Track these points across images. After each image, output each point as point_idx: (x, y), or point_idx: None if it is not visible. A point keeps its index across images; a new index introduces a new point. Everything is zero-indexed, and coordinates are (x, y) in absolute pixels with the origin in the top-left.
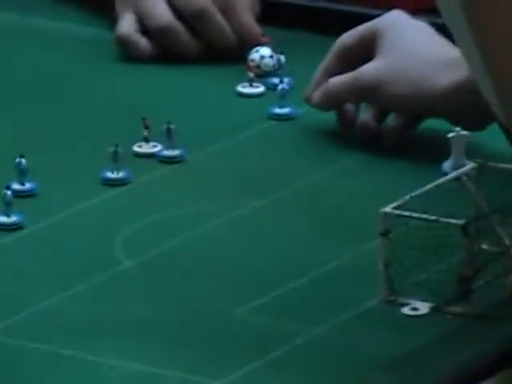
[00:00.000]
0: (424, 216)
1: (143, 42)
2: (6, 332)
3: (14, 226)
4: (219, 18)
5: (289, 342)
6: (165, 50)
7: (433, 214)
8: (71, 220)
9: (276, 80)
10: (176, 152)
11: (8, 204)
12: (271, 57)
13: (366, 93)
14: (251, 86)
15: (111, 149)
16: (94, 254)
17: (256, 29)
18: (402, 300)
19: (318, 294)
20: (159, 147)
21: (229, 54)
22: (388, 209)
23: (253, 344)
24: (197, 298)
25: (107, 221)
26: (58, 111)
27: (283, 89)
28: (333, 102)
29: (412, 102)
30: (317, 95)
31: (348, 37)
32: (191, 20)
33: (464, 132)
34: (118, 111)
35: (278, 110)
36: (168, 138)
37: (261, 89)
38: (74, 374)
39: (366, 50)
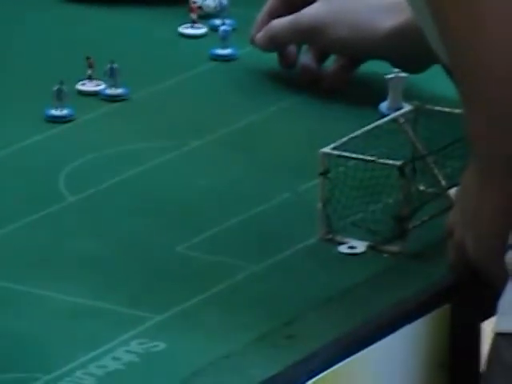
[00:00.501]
0: (362, 157)
1: None
2: None
3: None
4: None
5: (229, 279)
6: None
7: (371, 155)
8: (16, 156)
9: (218, 21)
10: (119, 91)
11: None
12: None
13: (307, 35)
14: (193, 27)
15: (55, 87)
16: (39, 190)
17: None
18: (340, 239)
19: (258, 231)
20: (103, 86)
21: None
22: (327, 149)
23: (193, 280)
24: (138, 235)
25: (51, 157)
26: (2, 50)
27: (225, 30)
28: (275, 43)
29: (353, 45)
30: (260, 37)
31: None
32: None
33: (402, 74)
34: (63, 50)
35: (219, 51)
36: (111, 77)
37: (203, 30)
38: (16, 309)
39: None
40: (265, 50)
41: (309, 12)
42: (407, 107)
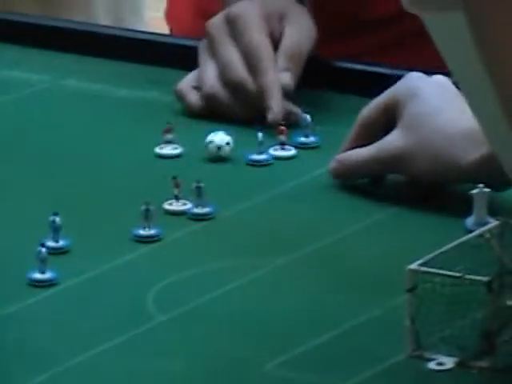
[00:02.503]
0: (449, 273)
1: (194, 97)
2: None
3: (49, 283)
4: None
5: None
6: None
7: (458, 271)
8: (104, 276)
9: (303, 139)
10: (205, 209)
11: (43, 261)
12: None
13: (388, 167)
14: (283, 149)
15: (143, 207)
16: (127, 310)
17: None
18: (428, 355)
19: (345, 349)
20: (189, 205)
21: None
22: (414, 266)
23: None
24: (226, 354)
25: (139, 277)
26: (92, 170)
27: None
28: (355, 175)
29: (434, 176)
30: (335, 168)
31: (370, 109)
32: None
33: (486, 189)
34: (150, 170)
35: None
36: (198, 197)
37: (292, 152)
38: None
39: (387, 120)
40: (340, 180)
41: (389, 143)
42: (493, 222)
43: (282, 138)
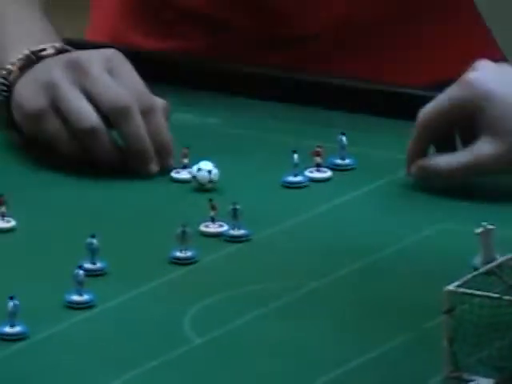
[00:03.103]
0: (487, 294)
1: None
2: None
3: (86, 305)
4: (140, 119)
5: None
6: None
7: (496, 292)
8: (141, 298)
9: (339, 161)
10: (242, 231)
11: (80, 283)
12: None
13: (484, 173)
14: (319, 170)
15: (179, 229)
16: (164, 332)
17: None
18: (466, 376)
19: (383, 371)
20: (225, 227)
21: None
22: (452, 287)
23: None
24: (265, 377)
25: (176, 299)
26: (128, 192)
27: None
28: (438, 177)
29: None
30: (419, 171)
31: (430, 113)
32: (113, 117)
33: (490, 226)
34: (185, 192)
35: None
36: (234, 218)
37: (328, 173)
38: None
39: (452, 123)
40: (423, 181)
41: (486, 155)
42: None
43: (318, 159)
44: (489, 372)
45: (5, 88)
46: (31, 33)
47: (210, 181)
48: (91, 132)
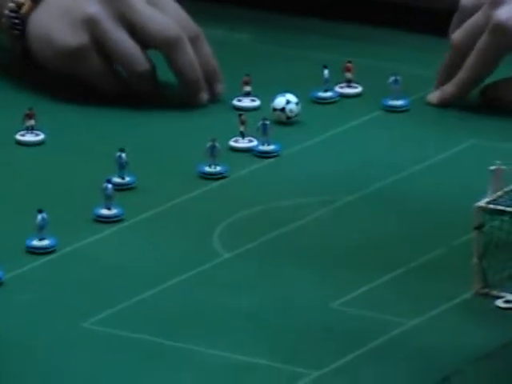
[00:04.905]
0: None
1: None
2: (106, 322)
3: (115, 219)
4: (190, 48)
5: (384, 334)
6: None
7: None
8: (170, 213)
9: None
10: (271, 147)
11: (109, 197)
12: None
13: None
14: (349, 86)
15: (208, 143)
16: (193, 246)
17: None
18: (496, 293)
19: (413, 286)
20: (255, 142)
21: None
22: (482, 203)
23: (350, 335)
24: (292, 291)
25: (205, 214)
26: (159, 111)
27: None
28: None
29: None
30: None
31: (464, 35)
32: (165, 49)
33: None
34: (215, 106)
35: (391, 102)
36: (263, 134)
37: (359, 89)
38: (170, 364)
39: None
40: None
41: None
42: None
43: (349, 75)
44: None
45: (17, 21)
46: None
47: (297, 114)
48: (144, 75)
